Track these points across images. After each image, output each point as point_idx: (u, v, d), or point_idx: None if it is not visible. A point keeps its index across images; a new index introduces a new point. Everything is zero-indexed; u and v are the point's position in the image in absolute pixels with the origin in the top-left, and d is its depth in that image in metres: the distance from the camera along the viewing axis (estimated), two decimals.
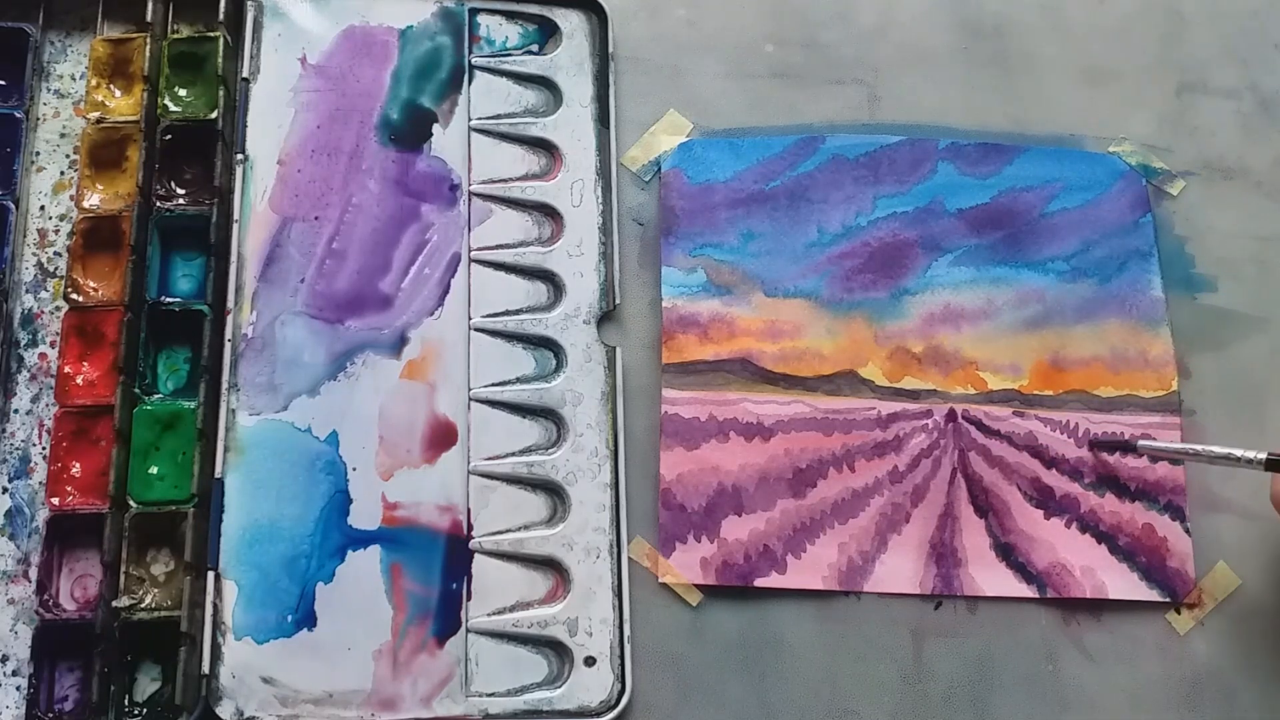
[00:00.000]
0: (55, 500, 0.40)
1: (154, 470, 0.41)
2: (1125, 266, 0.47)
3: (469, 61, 0.47)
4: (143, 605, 0.39)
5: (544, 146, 0.47)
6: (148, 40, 0.44)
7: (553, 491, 0.43)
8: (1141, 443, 0.40)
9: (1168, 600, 0.44)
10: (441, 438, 0.42)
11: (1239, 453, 0.36)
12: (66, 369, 0.41)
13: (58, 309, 0.43)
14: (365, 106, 0.46)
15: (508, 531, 0.42)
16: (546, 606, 0.41)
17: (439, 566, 0.41)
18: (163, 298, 0.43)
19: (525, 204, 0.46)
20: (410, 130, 0.46)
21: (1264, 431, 0.46)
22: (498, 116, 0.47)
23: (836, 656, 0.42)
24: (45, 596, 0.39)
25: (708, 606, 0.42)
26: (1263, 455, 0.35)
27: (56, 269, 0.43)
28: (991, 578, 0.43)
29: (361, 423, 0.42)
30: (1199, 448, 0.41)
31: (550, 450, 0.43)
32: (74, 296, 0.42)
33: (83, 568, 0.40)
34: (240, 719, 0.38)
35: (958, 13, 0.51)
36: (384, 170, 0.45)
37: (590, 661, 0.41)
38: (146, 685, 0.39)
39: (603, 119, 0.47)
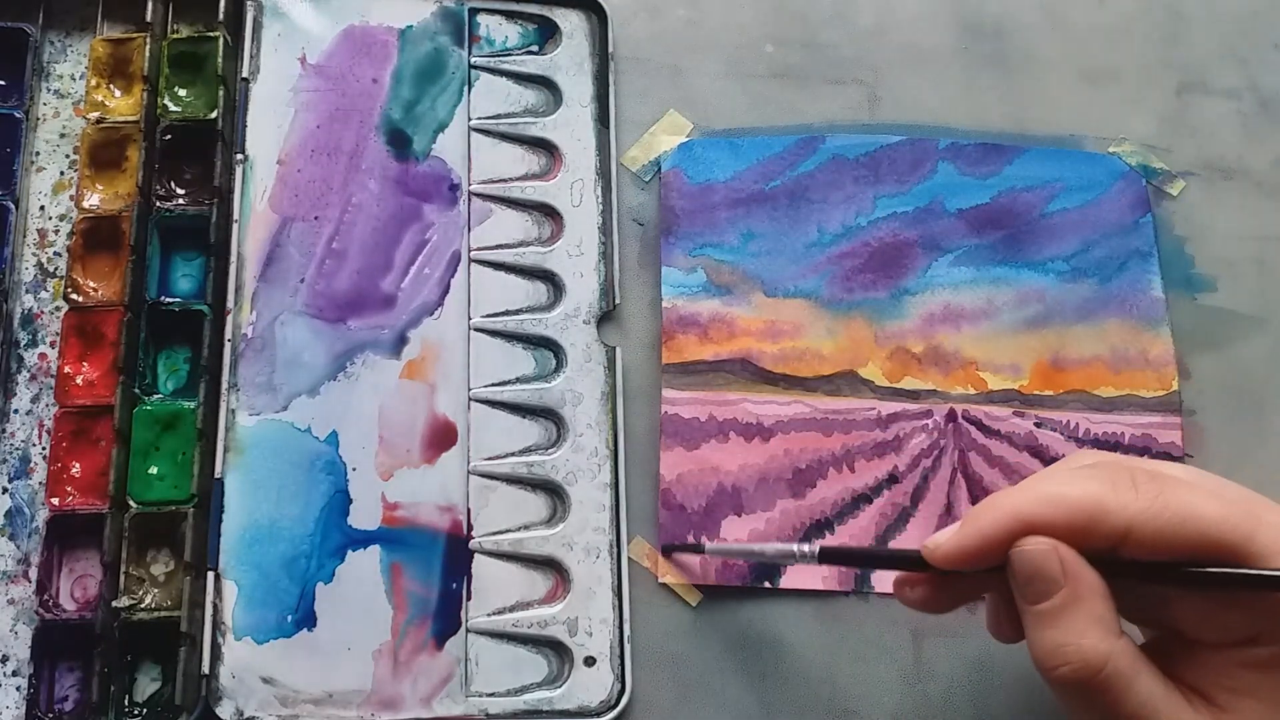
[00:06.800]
0: (55, 500, 0.40)
1: (154, 470, 0.41)
2: (1125, 266, 0.47)
3: (469, 61, 0.47)
4: (143, 605, 0.39)
5: (544, 146, 0.47)
6: (147, 40, 0.44)
7: (553, 491, 0.43)
8: (708, 546, 0.41)
9: None
10: (441, 438, 0.42)
11: (794, 547, 0.37)
12: (66, 369, 0.41)
13: (58, 309, 0.43)
14: (365, 106, 0.46)
15: (508, 531, 0.42)
16: (546, 606, 0.41)
17: (439, 566, 0.41)
18: (163, 298, 0.43)
19: (525, 204, 0.46)
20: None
21: (1264, 431, 0.46)
22: (498, 116, 0.47)
23: (836, 656, 0.42)
24: (45, 596, 0.39)
25: (708, 606, 0.42)
26: (816, 548, 0.36)
27: (56, 269, 0.43)
28: None
29: (361, 423, 0.42)
30: (756, 547, 0.41)
31: (550, 450, 0.43)
32: (74, 296, 0.42)
33: (83, 568, 0.40)
34: (240, 719, 0.38)
35: (958, 13, 0.51)
36: (384, 170, 0.45)
37: (590, 661, 0.41)
38: (146, 685, 0.39)
39: (603, 119, 0.47)
